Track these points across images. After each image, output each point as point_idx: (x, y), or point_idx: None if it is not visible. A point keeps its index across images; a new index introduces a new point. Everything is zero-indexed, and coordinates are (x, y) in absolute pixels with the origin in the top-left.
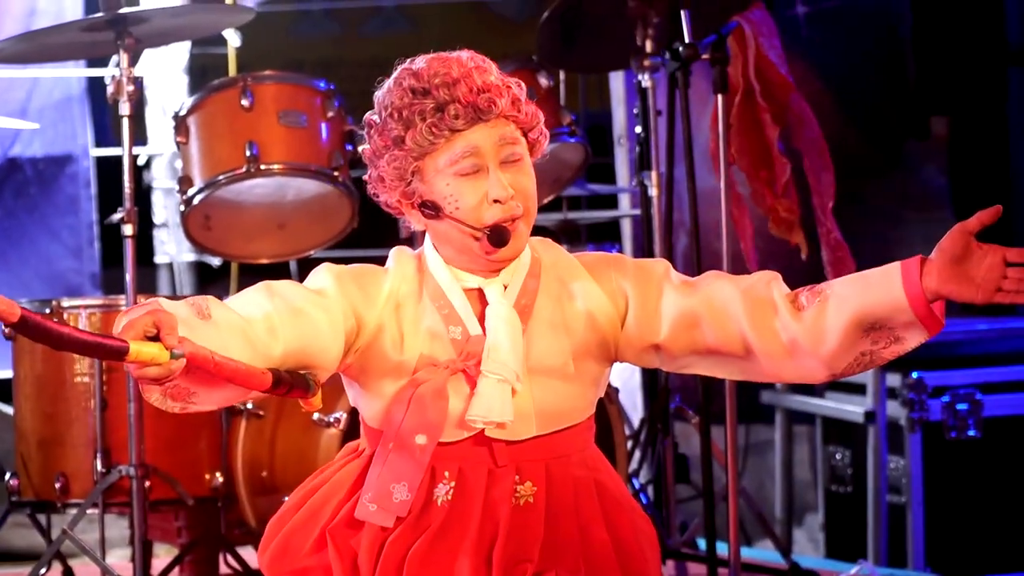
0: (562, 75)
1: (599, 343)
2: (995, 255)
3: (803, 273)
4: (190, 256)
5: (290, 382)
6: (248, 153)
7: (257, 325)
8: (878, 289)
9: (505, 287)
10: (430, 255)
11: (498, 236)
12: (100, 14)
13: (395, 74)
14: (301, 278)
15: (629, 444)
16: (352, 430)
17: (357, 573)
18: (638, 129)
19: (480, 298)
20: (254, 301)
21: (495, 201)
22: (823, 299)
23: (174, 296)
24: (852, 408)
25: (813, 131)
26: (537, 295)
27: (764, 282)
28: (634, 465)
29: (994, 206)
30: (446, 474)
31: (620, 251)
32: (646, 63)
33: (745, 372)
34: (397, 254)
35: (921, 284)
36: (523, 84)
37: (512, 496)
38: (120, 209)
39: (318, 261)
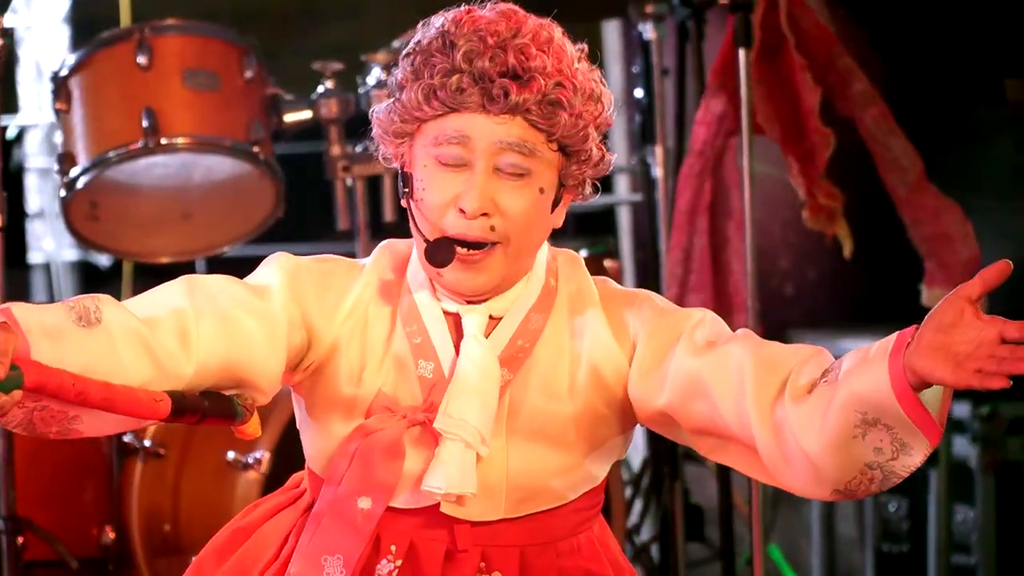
0: None
1: (608, 403)
2: (991, 330)
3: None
4: (72, 254)
5: (201, 409)
6: (145, 123)
7: (164, 334)
8: (867, 364)
9: (493, 319)
10: (414, 260)
11: (435, 252)
12: None
13: (453, 11)
14: None
15: (628, 492)
16: (276, 474)
17: None
18: (639, 93)
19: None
20: (167, 301)
21: (460, 209)
22: (828, 380)
23: (51, 301)
24: None
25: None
26: (539, 338)
27: (795, 356)
28: (634, 519)
29: (1002, 261)
30: (392, 548)
31: (615, 248)
32: (648, 10)
33: (759, 471)
34: (382, 250)
35: (903, 359)
36: (604, 97)
37: None
38: None
39: (233, 260)
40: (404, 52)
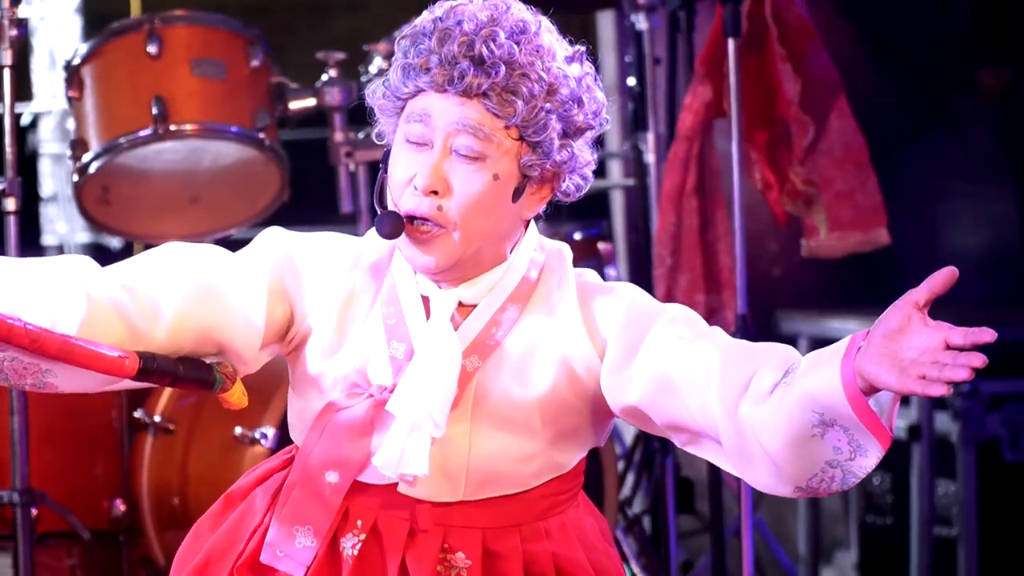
0: None
1: (577, 395)
2: (936, 335)
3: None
4: (85, 236)
5: (173, 372)
6: (155, 111)
7: (140, 298)
8: (821, 366)
9: (464, 306)
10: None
11: (381, 223)
12: None
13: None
14: None
15: (621, 466)
16: (282, 448)
17: None
18: (631, 81)
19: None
20: (147, 267)
21: (415, 187)
22: (788, 381)
23: None
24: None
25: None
26: (513, 328)
27: (761, 355)
28: (626, 492)
29: (948, 268)
30: (358, 523)
31: (608, 230)
32: (641, 1)
33: (730, 465)
34: (372, 233)
35: (854, 363)
36: (587, 99)
37: (437, 565)
38: (0, 180)
39: (241, 243)
40: (401, 36)
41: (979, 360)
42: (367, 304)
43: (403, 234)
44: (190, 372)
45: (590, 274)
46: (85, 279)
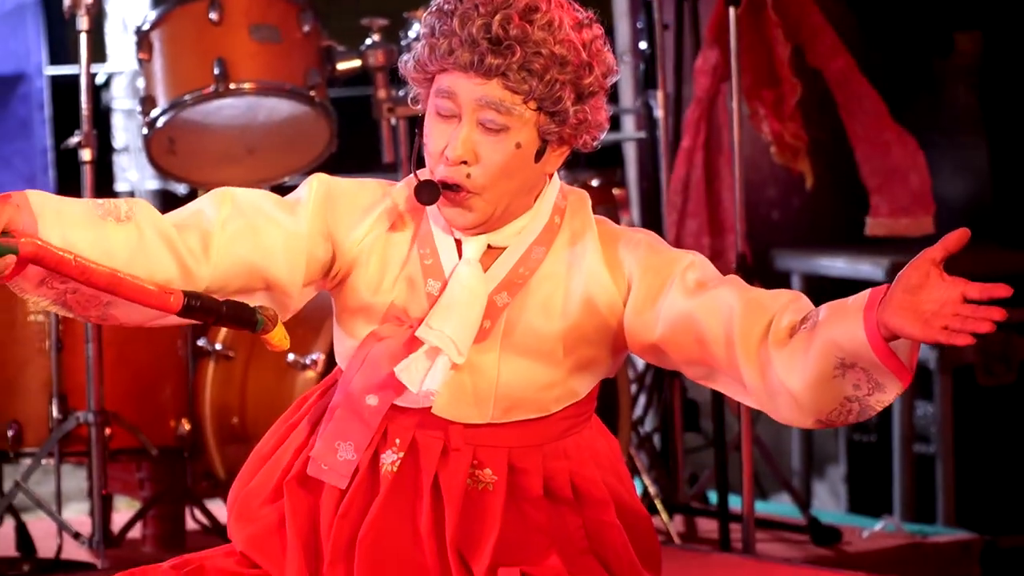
0: None
1: (597, 328)
2: (954, 289)
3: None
4: (153, 183)
5: (217, 312)
6: (216, 71)
7: (189, 235)
8: (844, 316)
9: (493, 248)
10: None
11: (420, 192)
12: None
13: None
14: None
15: (633, 388)
16: (330, 372)
17: (312, 535)
18: (643, 45)
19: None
20: (197, 208)
21: (446, 156)
22: (810, 326)
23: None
24: None
25: (835, 48)
26: (539, 268)
27: (777, 301)
28: (639, 412)
29: (961, 229)
30: (397, 441)
31: (623, 179)
32: None
33: (741, 397)
34: (412, 179)
35: (876, 315)
36: (597, 63)
37: (467, 479)
38: (77, 132)
39: (291, 189)
40: (427, 10)
41: (999, 314)
42: (405, 245)
43: (441, 198)
44: (233, 312)
45: (608, 221)
46: (139, 217)
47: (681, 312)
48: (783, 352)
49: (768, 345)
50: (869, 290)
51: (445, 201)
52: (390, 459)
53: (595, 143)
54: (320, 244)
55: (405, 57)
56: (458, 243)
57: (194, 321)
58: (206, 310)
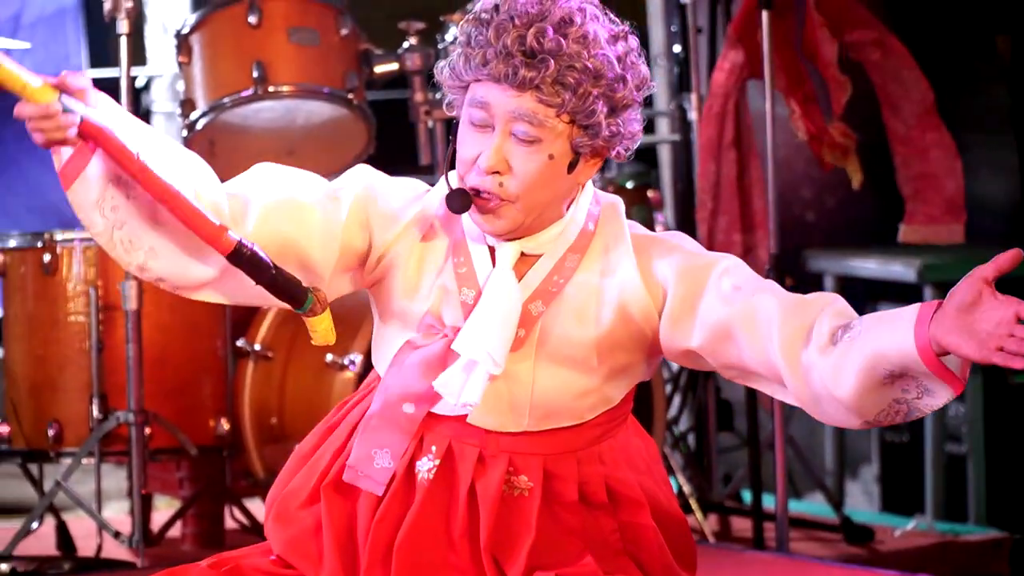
0: None
1: (631, 335)
2: (1007, 309)
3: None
4: None
5: (267, 269)
6: (255, 74)
7: (235, 201)
8: (894, 330)
9: (527, 256)
10: None
11: (451, 199)
12: None
13: None
14: None
15: (668, 388)
16: (368, 373)
17: (349, 540)
18: (677, 48)
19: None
20: (245, 178)
21: (479, 165)
22: (853, 336)
23: None
24: None
25: (882, 37)
26: (573, 276)
27: (815, 306)
28: (673, 412)
29: (1015, 250)
30: (433, 448)
31: (657, 180)
32: None
33: (780, 396)
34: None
35: (929, 332)
36: (631, 76)
37: (502, 486)
38: None
39: None
40: (464, 19)
41: None
42: (440, 252)
43: (473, 205)
44: (284, 280)
45: (640, 227)
46: (199, 176)
47: (719, 319)
48: (827, 360)
49: (810, 353)
50: (917, 305)
51: (476, 208)
52: (426, 466)
53: (628, 153)
54: (357, 233)
55: (441, 64)
56: (492, 251)
57: (239, 268)
58: (256, 265)
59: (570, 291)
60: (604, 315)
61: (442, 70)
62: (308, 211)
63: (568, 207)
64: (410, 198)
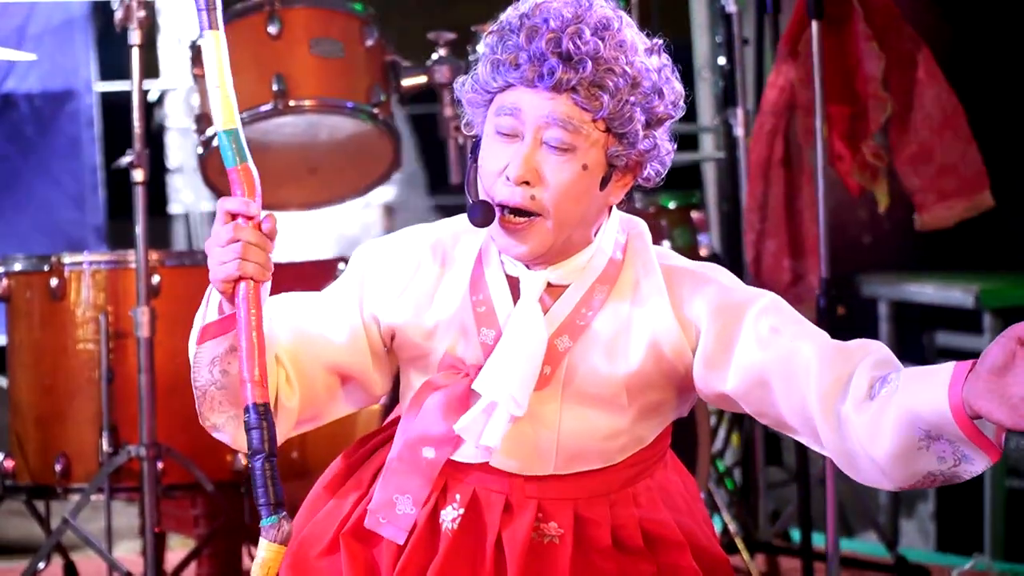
0: None
1: (663, 373)
2: None
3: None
4: (209, 205)
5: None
6: (275, 87)
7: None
8: (929, 389)
9: (553, 286)
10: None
11: (474, 212)
12: None
13: None
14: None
15: (712, 420)
16: (394, 405)
17: None
18: (722, 60)
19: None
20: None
21: (507, 177)
22: (891, 390)
23: (190, 248)
24: None
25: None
26: (602, 308)
27: (855, 356)
28: (718, 445)
29: None
30: (457, 497)
31: (702, 201)
32: None
33: (827, 454)
34: (462, 217)
35: (962, 394)
36: (667, 91)
37: (532, 533)
38: (129, 152)
39: (353, 209)
40: (488, 30)
41: None
42: (457, 290)
43: (496, 224)
44: (275, 468)
45: (673, 256)
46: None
47: (754, 365)
48: (863, 417)
49: (847, 406)
50: (953, 364)
51: (502, 229)
52: (451, 516)
53: (658, 178)
54: (372, 328)
55: (461, 79)
56: (513, 282)
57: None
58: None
59: (599, 325)
60: (634, 351)
61: (463, 84)
62: (327, 348)
63: (596, 233)
64: (409, 256)
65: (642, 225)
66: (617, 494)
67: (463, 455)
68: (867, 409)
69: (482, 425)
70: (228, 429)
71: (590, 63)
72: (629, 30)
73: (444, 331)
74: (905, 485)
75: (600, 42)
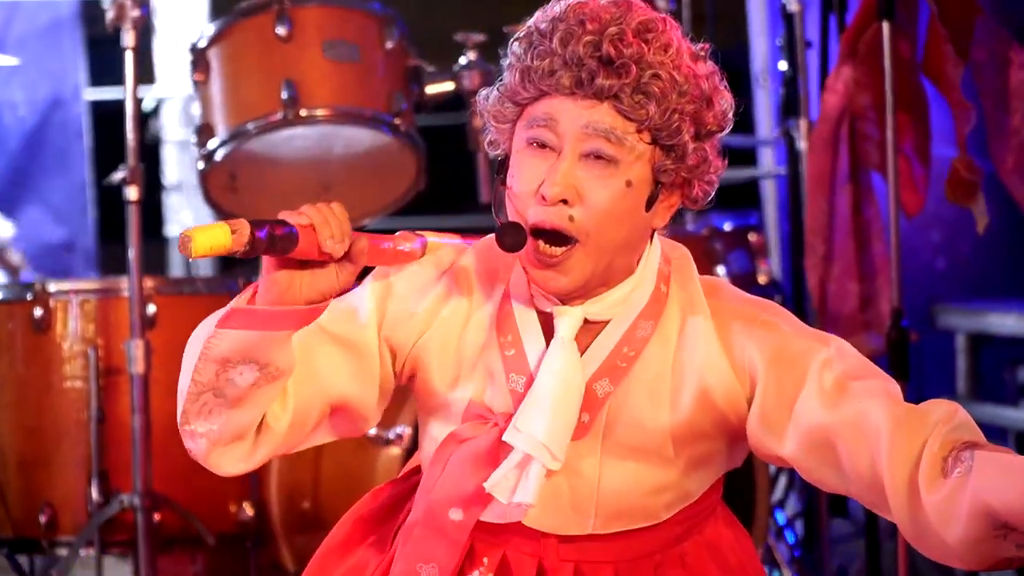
0: None
1: (714, 422)
2: None
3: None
4: None
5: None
6: (285, 95)
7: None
8: (1007, 483)
9: (591, 322)
10: (518, 263)
11: (503, 234)
12: None
13: None
14: None
15: (772, 469)
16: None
17: None
18: (783, 65)
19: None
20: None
21: (542, 196)
22: (964, 471)
23: (188, 275)
24: None
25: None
26: (646, 347)
27: (928, 421)
28: (778, 494)
29: None
30: (485, 560)
31: (761, 222)
32: None
33: (895, 521)
34: (487, 248)
35: None
36: (716, 99)
37: None
38: (121, 167)
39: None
40: (514, 36)
41: None
42: (482, 331)
43: (530, 254)
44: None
45: (723, 288)
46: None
47: (817, 426)
48: (935, 497)
49: (920, 481)
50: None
51: (535, 261)
52: None
53: (706, 199)
54: (388, 362)
55: (484, 92)
56: (546, 320)
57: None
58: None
59: (642, 367)
60: (682, 398)
61: (487, 97)
62: (330, 376)
63: (639, 261)
64: (429, 277)
65: (685, 252)
66: (663, 554)
67: (493, 515)
68: (940, 489)
69: (515, 481)
70: (204, 443)
71: (634, 67)
72: (674, 32)
73: (468, 376)
74: (980, 568)
75: (644, 45)
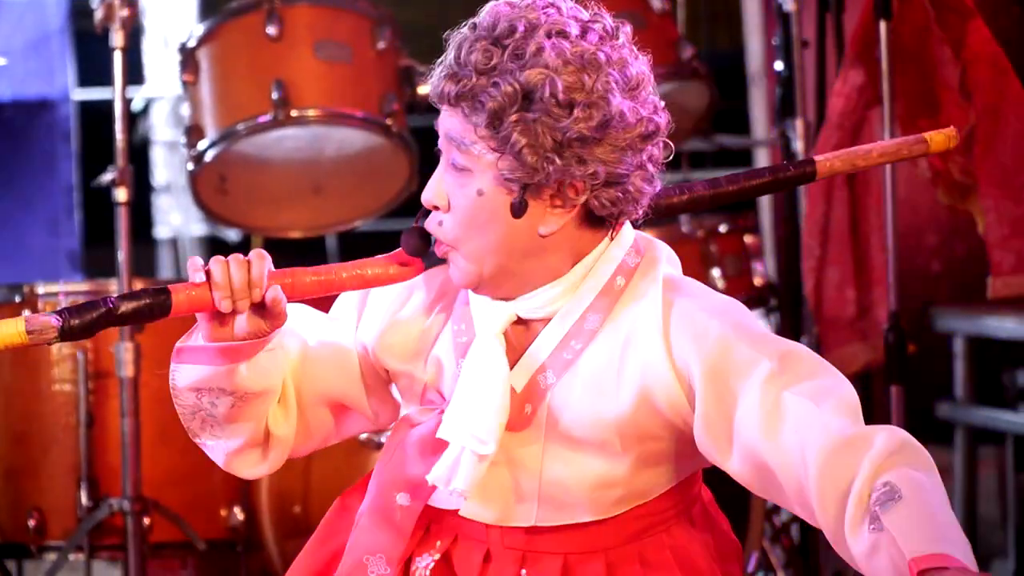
0: None
1: (662, 424)
2: None
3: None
4: (200, 228)
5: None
6: (275, 95)
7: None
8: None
9: (536, 319)
10: None
11: (404, 240)
12: None
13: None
14: (342, 257)
15: None
16: None
17: None
18: (779, 65)
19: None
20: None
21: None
22: (878, 527)
23: (178, 277)
24: None
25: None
26: (594, 339)
27: (860, 454)
28: None
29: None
30: (437, 544)
31: (756, 224)
32: None
33: None
34: None
35: None
36: (596, 106)
37: None
38: (110, 168)
39: (365, 235)
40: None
41: None
42: (439, 322)
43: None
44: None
45: (686, 289)
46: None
47: (756, 451)
48: (854, 542)
49: (845, 529)
50: (909, 559)
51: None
52: (424, 563)
53: (615, 205)
54: (367, 355)
55: None
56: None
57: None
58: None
59: (589, 359)
60: (624, 394)
61: None
62: (325, 379)
63: (571, 265)
64: (398, 289)
65: (660, 249)
66: (616, 551)
67: (440, 500)
68: (859, 536)
69: (451, 468)
70: (218, 453)
71: (473, 74)
72: (557, 39)
73: (425, 364)
74: None
75: (497, 50)
